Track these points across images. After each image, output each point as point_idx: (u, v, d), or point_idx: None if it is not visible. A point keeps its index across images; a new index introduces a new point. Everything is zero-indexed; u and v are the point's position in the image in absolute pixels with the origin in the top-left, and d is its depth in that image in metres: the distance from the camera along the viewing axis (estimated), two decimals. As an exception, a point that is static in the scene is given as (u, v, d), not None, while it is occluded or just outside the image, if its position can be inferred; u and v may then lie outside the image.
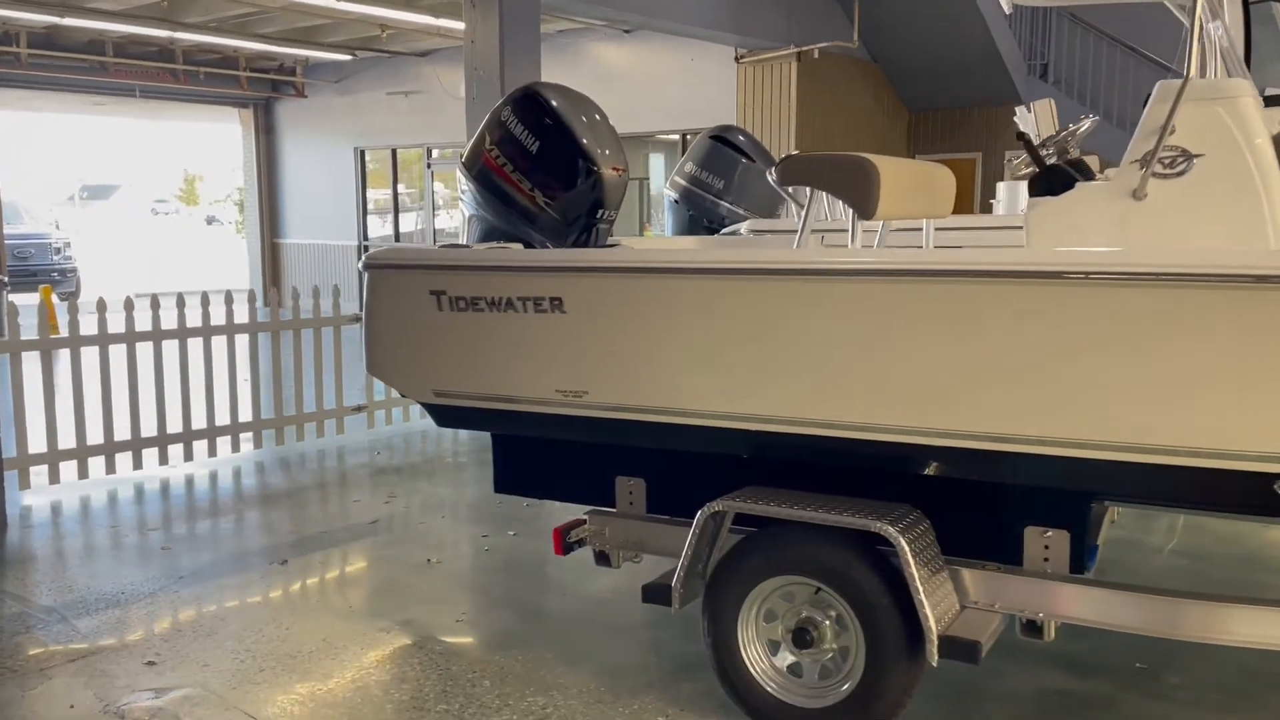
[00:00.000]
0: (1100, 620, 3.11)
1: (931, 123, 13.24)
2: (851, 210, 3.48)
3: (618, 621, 4.40)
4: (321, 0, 11.90)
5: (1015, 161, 4.04)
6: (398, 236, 17.24)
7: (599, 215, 4.33)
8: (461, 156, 4.41)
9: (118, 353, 6.77)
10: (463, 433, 7.77)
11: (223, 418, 7.32)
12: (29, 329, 7.10)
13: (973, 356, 2.94)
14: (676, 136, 13.33)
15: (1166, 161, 3.33)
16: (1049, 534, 3.23)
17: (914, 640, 3.14)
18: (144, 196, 63.01)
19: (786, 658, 3.38)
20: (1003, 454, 3.00)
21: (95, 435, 6.70)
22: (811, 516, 3.22)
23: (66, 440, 6.61)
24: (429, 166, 16.54)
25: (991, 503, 3.30)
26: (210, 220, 59.21)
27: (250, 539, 5.62)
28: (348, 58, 16.33)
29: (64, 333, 6.63)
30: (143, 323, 6.93)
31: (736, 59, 12.11)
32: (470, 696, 3.71)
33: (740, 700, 3.43)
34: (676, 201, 6.62)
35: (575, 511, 4.08)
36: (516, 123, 4.25)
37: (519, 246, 4.20)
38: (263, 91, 18.23)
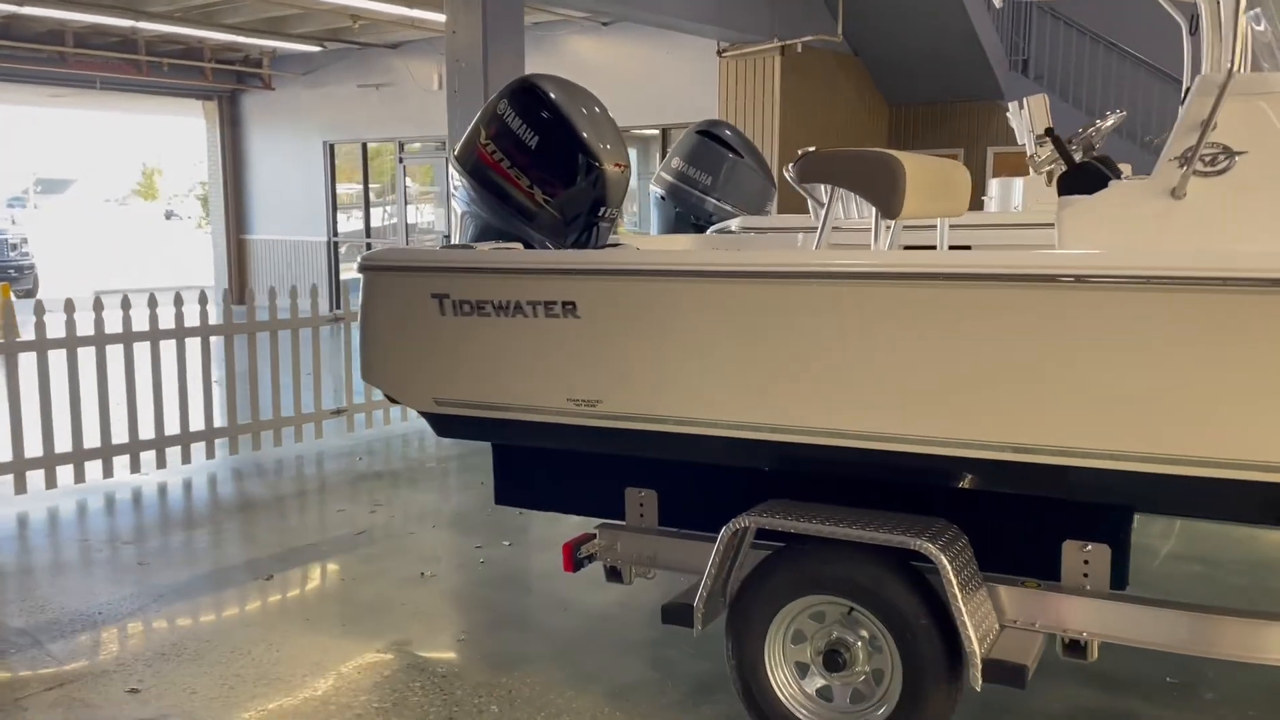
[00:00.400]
0: (1150, 641, 2.97)
1: (913, 117, 13.15)
2: (875, 209, 3.33)
3: (626, 638, 4.22)
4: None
5: (1040, 158, 3.89)
6: (368, 232, 16.93)
7: (600, 213, 4.15)
8: (454, 150, 4.21)
9: (86, 355, 6.47)
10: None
11: (197, 423, 7.04)
12: (-9, 331, 6.78)
13: (1010, 364, 2.79)
14: (656, 132, 13.15)
15: (1207, 159, 3.19)
16: (1089, 548, 3.09)
17: (954, 663, 2.99)
18: (101, 191, 61.83)
19: (816, 681, 3.22)
20: (1042, 466, 2.86)
21: (64, 442, 6.40)
22: (849, 534, 3.05)
23: (33, 448, 6.30)
24: (400, 161, 16.25)
25: (1028, 516, 3.16)
26: (169, 215, 58.19)
27: (231, 552, 5.37)
28: (316, 49, 15.98)
29: (29, 335, 6.32)
30: (113, 324, 6.63)
31: (719, 52, 11.94)
32: (478, 724, 3.51)
33: (767, 725, 3.26)
34: (663, 198, 6.46)
35: (572, 522, 3.88)
36: (514, 116, 4.07)
37: (519, 246, 4.01)
38: (228, 83, 17.81)
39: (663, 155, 12.88)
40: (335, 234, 17.24)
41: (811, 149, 3.73)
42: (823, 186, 4.49)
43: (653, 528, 3.72)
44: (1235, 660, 2.93)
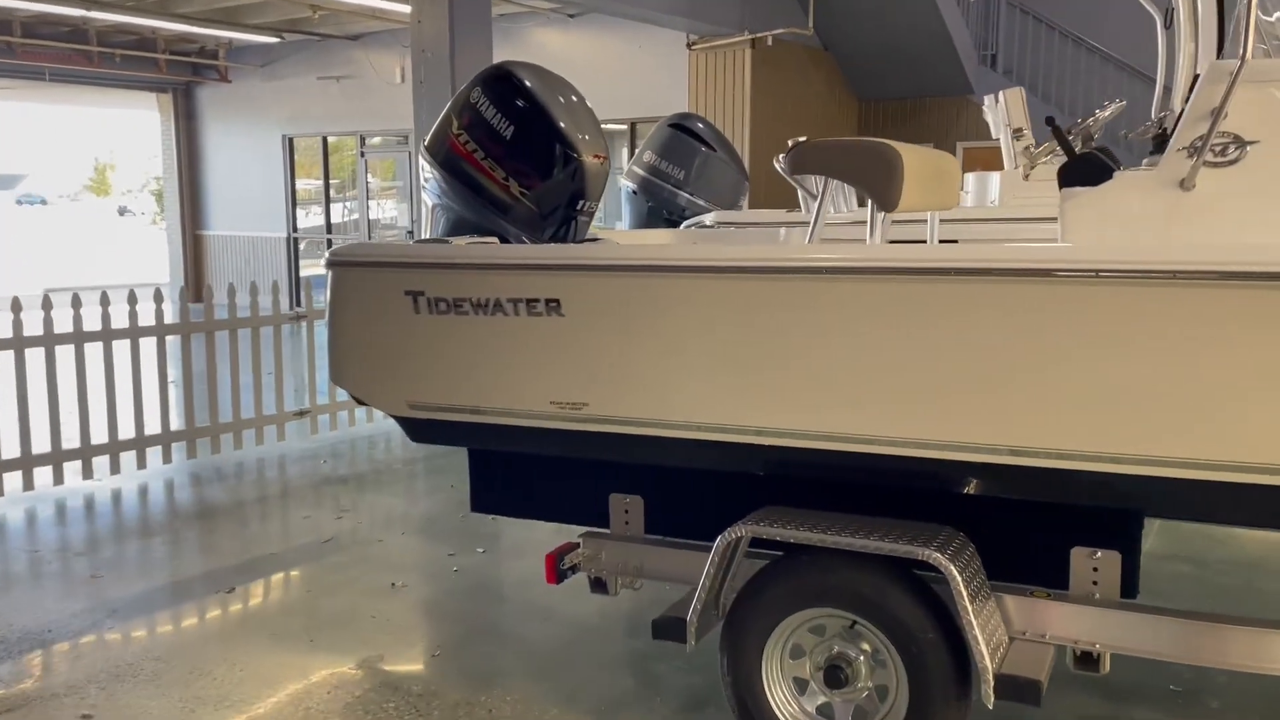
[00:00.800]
0: (1169, 653, 2.85)
1: (882, 112, 13.08)
2: (870, 202, 3.19)
3: (610, 651, 4.04)
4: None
5: (1036, 150, 3.76)
6: (329, 228, 16.59)
7: (579, 207, 3.97)
8: (424, 141, 4.01)
9: (34, 356, 6.16)
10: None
11: (153, 426, 6.75)
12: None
13: (1016, 363, 2.65)
14: (624, 126, 12.97)
15: (1217, 149, 3.07)
16: (1098, 555, 2.96)
17: (962, 678, 2.85)
18: (51, 186, 60.46)
19: (817, 698, 3.06)
20: (1049, 470, 2.72)
21: (11, 448, 6.10)
22: (853, 543, 2.89)
23: (-23, 454, 6.00)
24: (362, 155, 15.93)
25: (1034, 522, 3.03)
26: (123, 211, 56.99)
27: (189, 563, 5.11)
28: (275, 40, 15.60)
29: (-27, 335, 6.02)
30: (63, 323, 6.33)
31: (688, 45, 11.78)
32: (457, 746, 3.32)
33: (765, 745, 3.09)
34: (635, 192, 6.31)
35: (548, 527, 3.69)
36: (488, 105, 3.87)
37: (495, 241, 3.82)
38: (183, 75, 17.37)
39: (631, 149, 12.73)
40: (295, 230, 16.88)
41: (803, 139, 3.58)
42: (814, 178, 4.33)
43: (639, 536, 3.55)
44: (1258, 672, 2.82)
